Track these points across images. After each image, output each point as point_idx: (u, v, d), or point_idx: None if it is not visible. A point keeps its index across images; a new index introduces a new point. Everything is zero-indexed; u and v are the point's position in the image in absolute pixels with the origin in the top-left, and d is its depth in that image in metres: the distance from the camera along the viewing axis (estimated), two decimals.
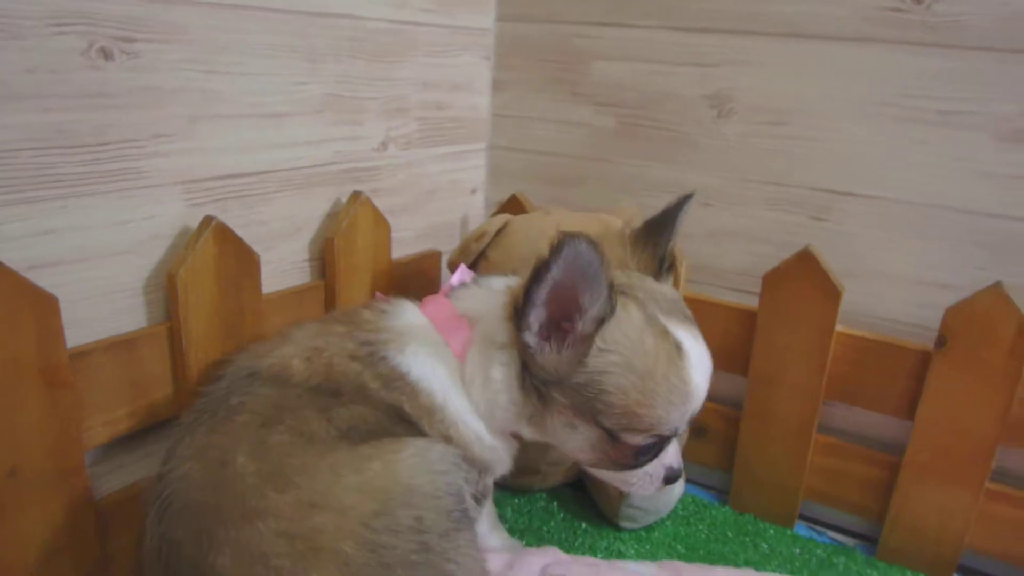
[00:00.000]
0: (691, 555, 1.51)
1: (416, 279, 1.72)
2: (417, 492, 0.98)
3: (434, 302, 1.21)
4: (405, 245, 1.72)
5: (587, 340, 1.06)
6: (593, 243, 0.99)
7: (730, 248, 1.70)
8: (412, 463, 1.00)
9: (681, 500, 1.67)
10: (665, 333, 1.10)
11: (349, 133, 1.51)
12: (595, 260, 1.00)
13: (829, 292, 1.46)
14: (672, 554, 1.51)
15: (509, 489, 1.66)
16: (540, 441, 1.19)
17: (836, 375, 1.53)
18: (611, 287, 1.04)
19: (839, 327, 1.49)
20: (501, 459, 1.21)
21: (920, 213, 1.50)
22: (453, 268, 1.50)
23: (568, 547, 1.50)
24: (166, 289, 1.20)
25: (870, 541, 1.62)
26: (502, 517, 1.56)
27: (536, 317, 1.05)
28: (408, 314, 1.19)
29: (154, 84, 1.16)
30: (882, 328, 1.57)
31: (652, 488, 1.21)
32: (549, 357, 1.08)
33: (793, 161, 1.60)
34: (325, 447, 1.00)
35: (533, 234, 1.46)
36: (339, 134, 1.49)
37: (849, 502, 1.62)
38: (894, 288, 1.55)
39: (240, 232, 1.27)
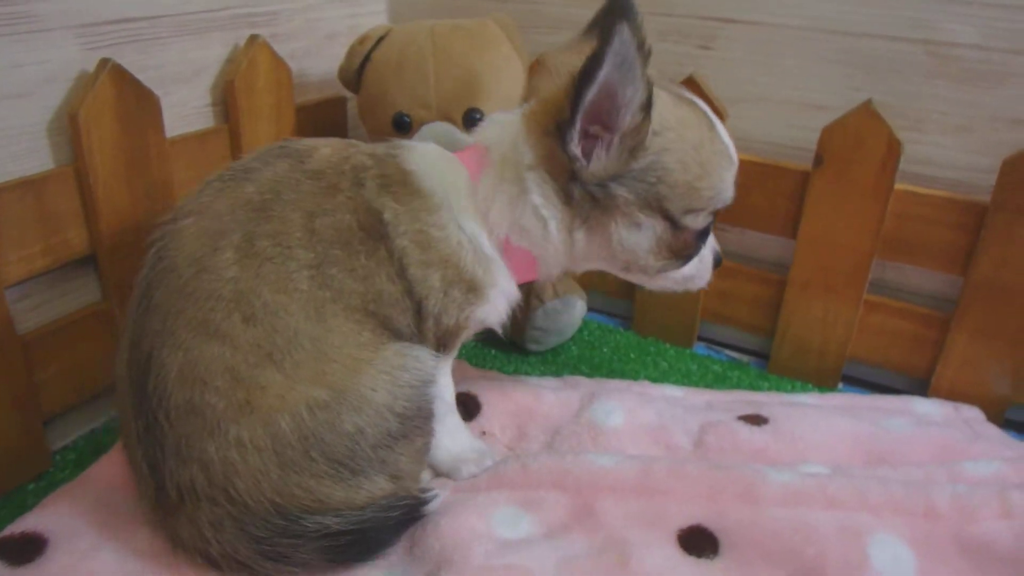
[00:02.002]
0: (594, 374, 1.65)
1: (322, 125, 1.82)
2: (370, 404, 1.04)
3: (467, 148, 1.23)
4: (309, 91, 1.81)
5: (639, 129, 1.07)
6: (633, 24, 1.00)
7: None
8: (378, 377, 1.05)
9: (587, 326, 1.83)
10: (693, 104, 1.16)
11: None
12: (634, 44, 0.99)
13: None
14: (576, 373, 1.65)
15: None
16: (582, 268, 1.26)
17: None
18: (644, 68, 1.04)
19: None
20: (498, 283, 1.19)
21: (797, 36, 1.59)
22: (343, 77, 1.64)
23: None
24: (69, 131, 1.30)
25: (763, 358, 1.78)
26: None
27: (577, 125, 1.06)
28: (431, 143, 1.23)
29: None
30: (766, 151, 1.67)
31: (707, 277, 1.27)
32: (599, 161, 1.09)
33: None
34: (297, 284, 1.03)
35: (412, 37, 1.58)
36: None
37: (743, 321, 1.78)
38: (776, 111, 1.66)
39: (138, 77, 1.35)
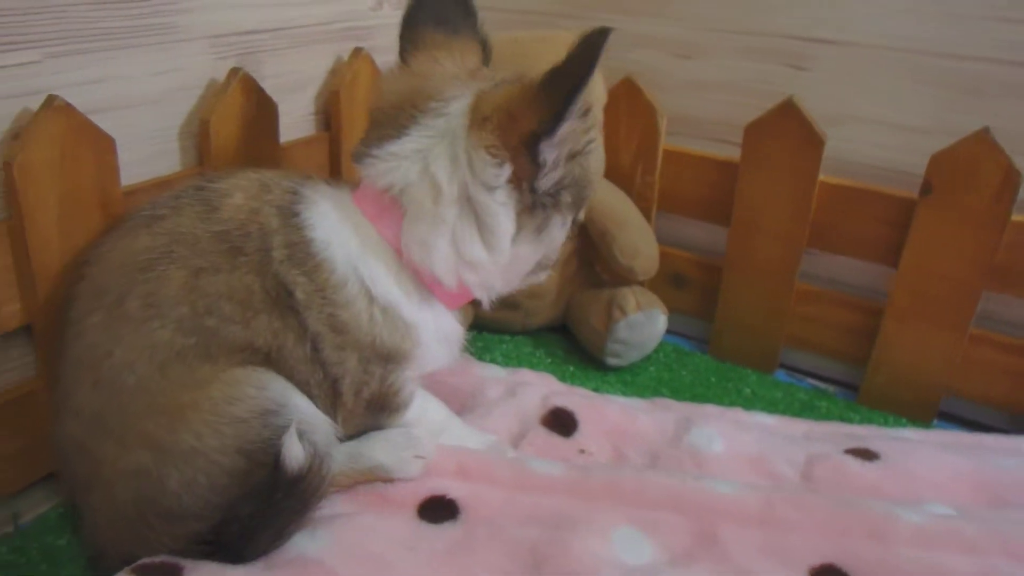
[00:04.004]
0: (677, 398, 1.66)
1: None
2: (197, 454, 0.99)
3: (361, 186, 1.15)
4: None
5: (579, 132, 1.09)
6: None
7: (709, 99, 1.84)
8: (200, 422, 0.99)
9: (662, 348, 1.84)
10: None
11: None
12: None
13: (812, 142, 1.61)
14: (658, 396, 1.66)
15: (492, 330, 1.85)
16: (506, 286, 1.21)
17: (819, 223, 1.68)
18: None
19: (822, 176, 1.64)
20: (423, 342, 1.16)
21: (897, 58, 1.62)
22: None
23: None
24: (198, 135, 1.40)
25: (848, 388, 1.79)
26: (493, 361, 1.72)
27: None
28: (344, 192, 1.16)
29: None
30: (866, 175, 1.69)
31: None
32: (551, 166, 1.07)
33: (767, 10, 1.72)
34: (156, 337, 1.01)
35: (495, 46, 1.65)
36: None
37: (830, 348, 1.79)
38: (877, 135, 1.68)
39: None
